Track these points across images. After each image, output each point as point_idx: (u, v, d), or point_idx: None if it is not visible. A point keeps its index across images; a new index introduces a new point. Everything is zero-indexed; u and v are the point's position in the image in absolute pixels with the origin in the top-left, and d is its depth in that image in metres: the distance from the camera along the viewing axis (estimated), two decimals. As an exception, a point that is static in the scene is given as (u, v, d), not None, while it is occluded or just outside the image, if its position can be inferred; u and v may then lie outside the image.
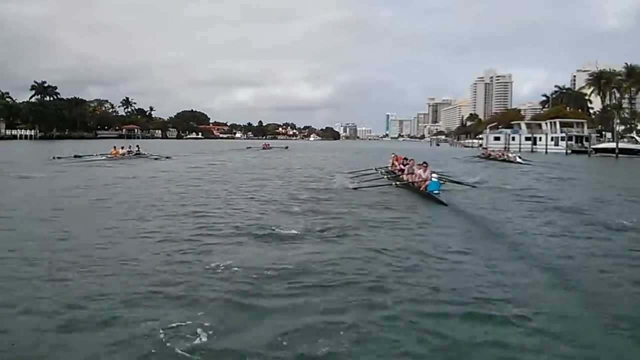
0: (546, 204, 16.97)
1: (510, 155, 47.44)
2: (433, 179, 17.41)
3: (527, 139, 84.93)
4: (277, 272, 7.96)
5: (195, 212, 14.00)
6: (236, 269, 8.09)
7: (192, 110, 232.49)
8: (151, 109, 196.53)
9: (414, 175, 19.61)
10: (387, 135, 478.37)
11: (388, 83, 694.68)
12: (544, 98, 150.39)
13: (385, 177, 23.95)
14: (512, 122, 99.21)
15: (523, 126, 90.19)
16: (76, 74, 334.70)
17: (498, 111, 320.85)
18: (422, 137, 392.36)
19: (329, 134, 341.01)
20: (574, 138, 76.48)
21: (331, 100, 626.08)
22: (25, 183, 22.49)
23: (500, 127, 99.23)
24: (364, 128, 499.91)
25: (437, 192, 16.72)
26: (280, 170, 33.66)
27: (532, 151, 77.76)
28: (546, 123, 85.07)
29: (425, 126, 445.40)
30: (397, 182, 20.60)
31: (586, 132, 78.87)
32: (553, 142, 78.51)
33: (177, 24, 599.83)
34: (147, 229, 11.48)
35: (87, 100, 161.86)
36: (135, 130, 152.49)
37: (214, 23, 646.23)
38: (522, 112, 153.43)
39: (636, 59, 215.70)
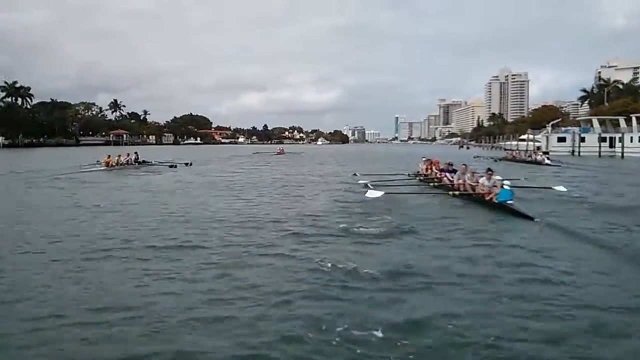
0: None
1: (538, 157, 44.36)
2: (505, 187, 14.20)
3: (602, 139, 66.51)
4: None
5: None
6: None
7: (190, 113, 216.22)
8: (145, 112, 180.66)
9: (465, 183, 16.63)
10: (396, 138, 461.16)
11: (396, 85, 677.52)
12: (584, 93, 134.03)
13: (430, 184, 19.83)
14: (579, 119, 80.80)
15: (596, 123, 71.06)
16: (84, 81, 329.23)
17: (515, 111, 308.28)
18: (434, 139, 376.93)
19: (338, 137, 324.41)
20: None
21: (339, 103, 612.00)
22: None
23: (544, 126, 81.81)
24: (372, 131, 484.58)
25: (510, 202, 13.57)
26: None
27: (622, 156, 59.10)
28: (629, 118, 66.39)
29: (437, 128, 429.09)
30: (455, 192, 16.77)
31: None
32: (645, 143, 60.06)
33: (184, 29, 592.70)
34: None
35: (72, 103, 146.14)
36: (124, 136, 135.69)
37: (221, 28, 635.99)
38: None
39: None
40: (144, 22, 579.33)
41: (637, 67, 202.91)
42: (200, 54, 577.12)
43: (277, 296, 6.58)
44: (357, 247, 9.55)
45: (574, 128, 73.07)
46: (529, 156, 47.04)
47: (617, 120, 69.13)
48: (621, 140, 63.11)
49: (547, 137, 72.96)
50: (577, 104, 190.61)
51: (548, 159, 43.73)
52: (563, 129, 76.00)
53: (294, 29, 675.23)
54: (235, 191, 20.32)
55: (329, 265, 8.01)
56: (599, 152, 63.03)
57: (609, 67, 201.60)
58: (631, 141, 62.11)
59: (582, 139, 68.23)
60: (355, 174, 22.54)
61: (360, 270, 7.70)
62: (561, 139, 70.54)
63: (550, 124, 75.55)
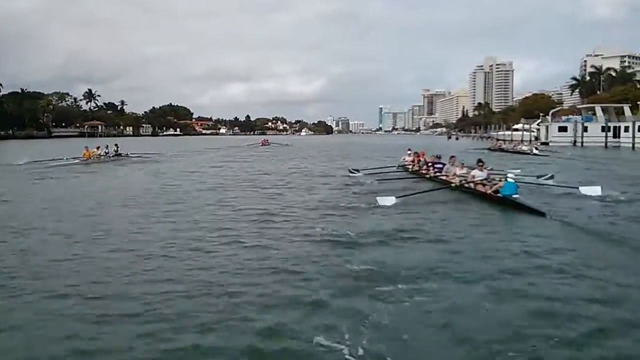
0: None
1: (524, 147, 44.31)
2: (509, 180, 13.39)
3: (606, 128, 62.62)
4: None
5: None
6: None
7: (170, 104, 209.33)
8: (122, 102, 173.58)
9: (458, 175, 16.24)
10: (380, 128, 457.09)
11: (381, 75, 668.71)
12: (574, 82, 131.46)
13: (427, 177, 19.07)
14: (580, 107, 76.86)
15: (599, 111, 67.13)
16: (66, 71, 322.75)
17: (499, 101, 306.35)
18: (418, 129, 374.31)
19: (322, 128, 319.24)
20: None
21: (323, 93, 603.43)
22: None
23: (537, 115, 78.20)
24: (356, 122, 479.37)
25: (515, 195, 12.95)
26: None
27: (632, 148, 54.74)
28: (635, 106, 62.61)
29: (421, 118, 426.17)
30: (454, 185, 15.70)
31: None
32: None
33: (166, 18, 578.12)
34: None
35: (45, 93, 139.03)
36: (99, 128, 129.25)
37: (204, 17, 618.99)
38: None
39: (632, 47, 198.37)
40: (130, 9, 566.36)
41: (624, 56, 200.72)
42: (187, 40, 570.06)
43: None
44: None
45: (576, 117, 69.13)
46: (513, 147, 46.14)
47: (622, 108, 65.35)
48: (628, 129, 59.27)
49: (547, 126, 69.07)
50: (561, 94, 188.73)
51: (536, 149, 42.94)
52: (564, 117, 72.20)
53: (284, 16, 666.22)
54: (185, 205, 14.53)
55: None
56: (605, 142, 59.26)
57: (595, 55, 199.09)
58: (639, 130, 58.31)
59: (586, 129, 64.46)
60: (354, 170, 21.87)
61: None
62: (562, 129, 66.69)
63: (551, 112, 71.60)
